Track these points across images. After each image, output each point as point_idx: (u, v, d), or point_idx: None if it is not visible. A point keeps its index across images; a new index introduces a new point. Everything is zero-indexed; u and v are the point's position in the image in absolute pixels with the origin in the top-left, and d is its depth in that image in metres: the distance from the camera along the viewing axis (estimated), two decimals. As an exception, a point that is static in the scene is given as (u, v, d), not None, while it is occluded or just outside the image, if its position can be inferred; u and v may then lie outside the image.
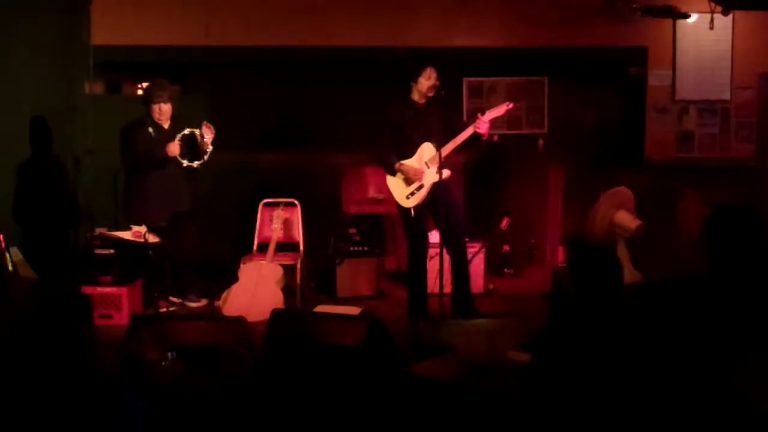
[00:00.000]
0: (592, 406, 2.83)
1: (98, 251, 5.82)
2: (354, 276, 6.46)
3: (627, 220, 6.13)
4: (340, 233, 6.68)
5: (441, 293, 5.28)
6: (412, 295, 5.66)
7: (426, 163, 5.46)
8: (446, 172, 5.39)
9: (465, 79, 7.89)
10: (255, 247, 6.48)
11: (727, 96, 7.67)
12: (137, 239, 5.77)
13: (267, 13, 7.46)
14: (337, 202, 7.30)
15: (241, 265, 6.10)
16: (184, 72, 7.85)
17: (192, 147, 5.93)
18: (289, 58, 7.59)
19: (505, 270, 7.21)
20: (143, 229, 5.78)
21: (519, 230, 7.38)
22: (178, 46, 7.40)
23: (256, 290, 5.90)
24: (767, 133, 7.67)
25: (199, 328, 4.58)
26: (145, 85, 7.06)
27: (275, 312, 4.68)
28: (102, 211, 6.54)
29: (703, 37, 7.54)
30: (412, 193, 5.49)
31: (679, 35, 7.61)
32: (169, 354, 4.05)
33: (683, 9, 7.43)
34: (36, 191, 6.32)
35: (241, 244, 6.58)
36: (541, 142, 7.72)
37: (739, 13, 7.44)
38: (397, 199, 5.55)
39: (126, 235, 5.85)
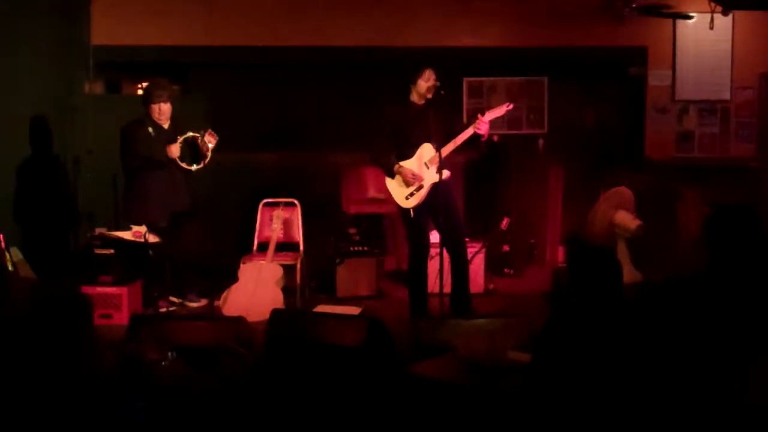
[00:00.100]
0: (593, 406, 2.83)
1: (98, 251, 5.82)
2: (354, 276, 6.46)
3: (627, 220, 6.13)
4: (340, 233, 6.68)
5: (441, 293, 5.28)
6: (412, 295, 5.66)
7: (425, 164, 5.46)
8: (446, 173, 5.38)
9: (465, 79, 7.89)
10: (255, 247, 6.47)
11: (727, 96, 7.67)
12: (137, 239, 5.77)
13: (267, 13, 7.46)
14: (337, 202, 7.31)
15: (241, 265, 6.10)
16: (184, 72, 7.87)
17: (193, 151, 5.94)
18: (289, 58, 7.59)
19: (505, 270, 7.21)
20: (143, 229, 5.78)
21: (519, 230, 7.38)
22: (178, 46, 7.41)
23: (256, 290, 5.90)
24: (767, 133, 7.67)
25: (199, 328, 4.57)
26: (145, 85, 7.07)
27: (275, 312, 4.68)
28: (102, 211, 6.54)
29: (703, 37, 7.54)
30: (412, 194, 5.49)
31: (679, 35, 7.62)
32: (169, 354, 4.05)
33: (683, 9, 7.43)
34: (36, 191, 6.32)
35: (241, 244, 6.58)
36: (541, 142, 7.73)
37: (739, 13, 7.44)
38: (396, 200, 5.55)
39: (126, 235, 5.85)
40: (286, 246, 6.43)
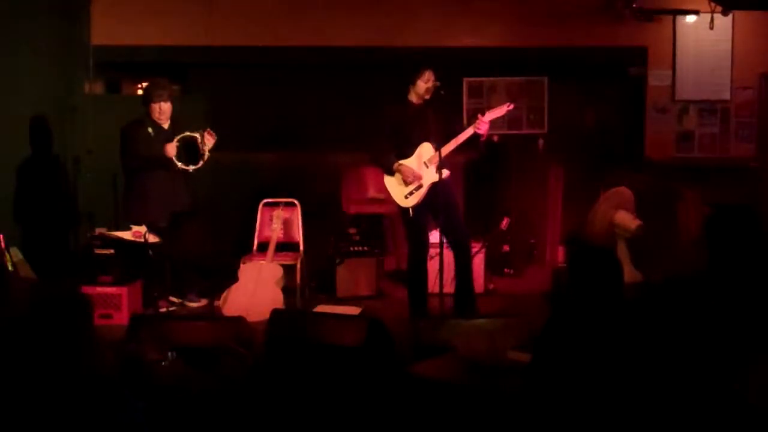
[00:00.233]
0: (593, 406, 2.83)
1: (98, 251, 5.82)
2: (354, 276, 6.46)
3: (627, 220, 6.13)
4: (340, 233, 6.68)
5: (441, 293, 5.28)
6: (412, 295, 5.66)
7: (425, 163, 5.46)
8: (445, 172, 5.38)
9: (465, 79, 7.89)
10: (255, 247, 6.47)
11: (727, 96, 7.67)
12: (137, 239, 5.77)
13: (267, 13, 7.47)
14: (337, 202, 7.30)
15: (241, 265, 6.10)
16: (184, 72, 7.87)
17: (190, 150, 5.92)
18: (289, 58, 7.59)
19: (505, 270, 7.21)
20: (143, 229, 5.78)
21: (519, 230, 7.38)
22: (178, 46, 7.41)
23: (256, 290, 5.90)
24: (767, 133, 7.67)
25: (199, 328, 4.57)
26: (144, 85, 7.07)
27: (275, 312, 4.68)
28: (102, 211, 6.54)
29: (703, 37, 7.54)
30: (411, 193, 5.49)
31: (679, 35, 7.62)
32: (169, 354, 4.05)
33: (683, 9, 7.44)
34: (36, 191, 6.32)
35: (241, 244, 6.58)
36: (541, 142, 7.73)
37: (739, 13, 7.44)
38: (396, 199, 5.55)
39: (126, 235, 5.84)
40: (286, 246, 6.43)
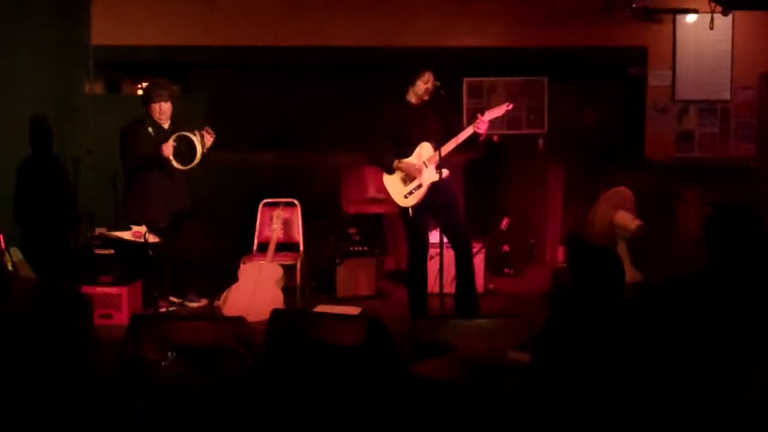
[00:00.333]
0: (593, 406, 2.83)
1: (98, 251, 5.82)
2: (354, 276, 6.46)
3: (627, 220, 6.13)
4: (340, 233, 6.68)
5: (441, 293, 5.28)
6: (412, 295, 5.66)
7: (424, 163, 5.46)
8: (445, 172, 5.38)
9: (465, 79, 7.89)
10: (255, 247, 6.47)
11: (727, 96, 7.67)
12: (137, 239, 5.77)
13: (267, 13, 7.46)
14: (337, 202, 7.30)
15: (241, 265, 6.10)
16: (184, 72, 7.86)
17: (186, 150, 5.90)
18: (289, 58, 7.59)
19: (505, 270, 7.21)
20: (143, 229, 5.78)
21: (519, 230, 7.38)
22: (178, 46, 7.41)
23: (256, 290, 5.90)
24: (767, 133, 7.67)
25: (199, 328, 4.58)
26: (144, 85, 7.07)
27: (275, 312, 4.68)
28: (102, 211, 6.54)
29: (703, 37, 7.54)
30: (411, 193, 5.48)
31: (679, 35, 7.62)
32: (169, 354, 4.05)
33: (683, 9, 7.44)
34: (36, 191, 6.32)
35: (241, 244, 6.58)
36: (541, 142, 7.73)
37: (739, 13, 7.44)
38: (395, 199, 5.55)
39: (126, 235, 5.84)
40: (286, 246, 6.43)
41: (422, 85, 5.45)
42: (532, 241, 7.65)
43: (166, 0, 7.42)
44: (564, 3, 7.52)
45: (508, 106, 5.49)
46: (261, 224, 6.52)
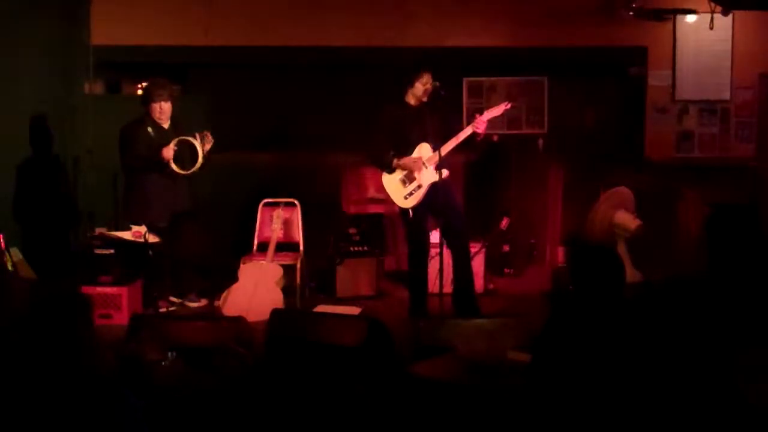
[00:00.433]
0: (593, 406, 2.83)
1: (98, 251, 5.82)
2: (354, 276, 6.46)
3: (627, 220, 6.13)
4: (340, 233, 6.68)
5: (441, 293, 5.28)
6: (412, 295, 5.66)
7: (424, 163, 5.46)
8: (445, 172, 5.38)
9: (465, 79, 7.89)
10: (255, 247, 6.47)
11: (727, 96, 7.67)
12: (137, 239, 5.77)
13: (267, 13, 7.46)
14: (337, 202, 7.30)
15: (241, 265, 6.10)
16: (184, 72, 7.86)
17: (187, 154, 5.90)
18: (289, 58, 7.59)
19: (505, 270, 7.21)
20: (143, 229, 5.78)
21: (519, 230, 7.38)
22: (178, 46, 7.41)
23: (255, 290, 5.90)
24: (767, 133, 7.67)
25: (199, 328, 4.58)
26: (144, 85, 7.06)
27: (275, 312, 4.68)
28: (102, 211, 6.54)
29: (703, 37, 7.54)
30: (410, 194, 5.48)
31: (679, 35, 7.62)
32: (169, 354, 4.05)
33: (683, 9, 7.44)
34: (36, 191, 6.32)
35: (241, 244, 6.58)
36: (541, 142, 7.73)
37: (739, 13, 7.44)
38: (395, 200, 5.55)
39: (126, 235, 5.84)
40: (286, 246, 6.43)
41: (421, 87, 5.45)
42: (532, 241, 7.65)
43: (166, 0, 7.42)
44: (564, 3, 7.52)
45: (506, 106, 5.49)
46: (261, 224, 6.52)
